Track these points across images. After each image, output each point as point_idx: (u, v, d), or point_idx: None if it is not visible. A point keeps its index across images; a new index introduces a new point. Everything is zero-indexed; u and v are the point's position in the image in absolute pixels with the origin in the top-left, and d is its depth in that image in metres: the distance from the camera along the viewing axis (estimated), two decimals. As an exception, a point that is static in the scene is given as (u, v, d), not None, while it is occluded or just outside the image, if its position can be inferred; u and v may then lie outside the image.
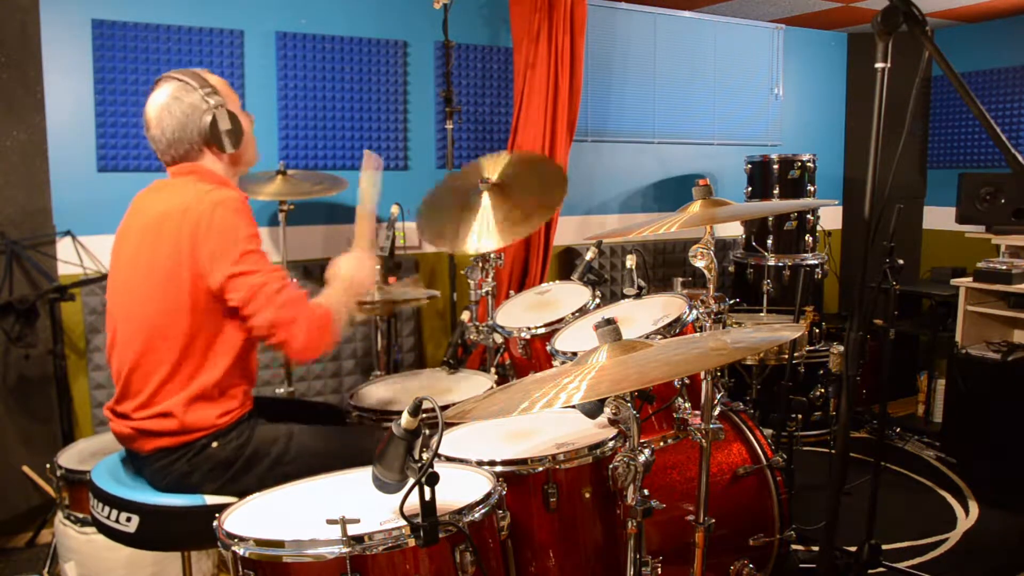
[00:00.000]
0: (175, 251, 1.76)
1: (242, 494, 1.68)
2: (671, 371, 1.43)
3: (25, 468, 3.06)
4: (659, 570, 1.61)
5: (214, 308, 1.79)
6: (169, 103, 1.85)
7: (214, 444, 1.83)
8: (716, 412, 1.97)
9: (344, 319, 1.93)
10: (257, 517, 1.55)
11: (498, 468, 1.78)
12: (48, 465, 2.44)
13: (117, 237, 1.94)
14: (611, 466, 1.54)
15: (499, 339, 2.72)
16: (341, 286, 1.99)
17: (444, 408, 1.41)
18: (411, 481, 1.35)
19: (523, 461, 1.81)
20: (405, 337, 3.90)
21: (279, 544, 1.39)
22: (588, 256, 2.91)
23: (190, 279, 1.76)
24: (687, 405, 2.15)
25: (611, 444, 1.87)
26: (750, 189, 4.50)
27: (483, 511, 1.51)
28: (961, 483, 3.64)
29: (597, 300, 2.67)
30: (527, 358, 2.64)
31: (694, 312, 2.15)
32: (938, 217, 5.14)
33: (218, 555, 2.52)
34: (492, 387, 2.48)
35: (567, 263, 4.34)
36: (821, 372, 4.06)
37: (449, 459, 1.84)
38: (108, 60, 3.22)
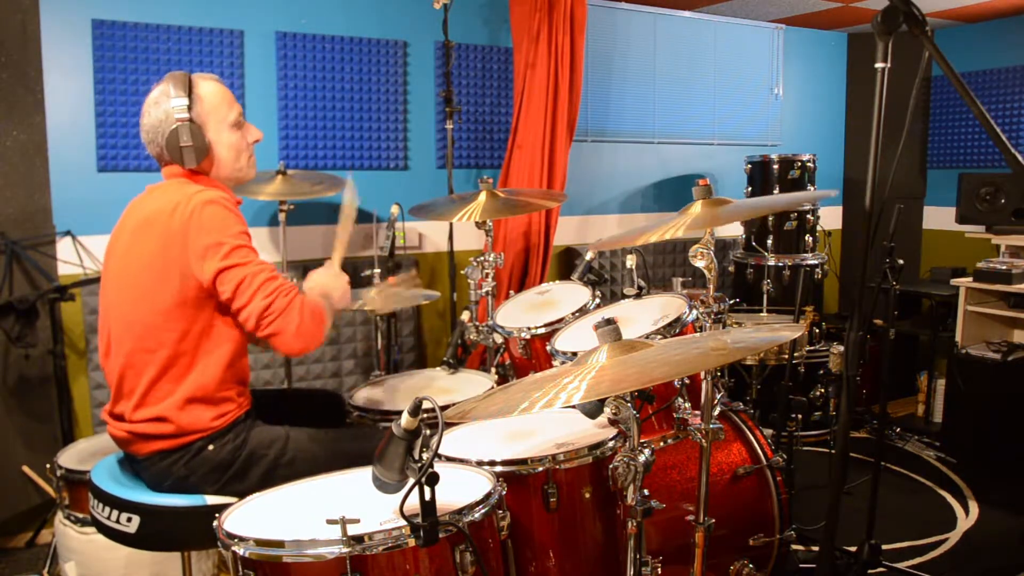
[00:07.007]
0: (165, 248, 1.77)
1: (241, 495, 1.68)
2: (671, 371, 1.43)
3: (25, 468, 3.06)
4: (659, 570, 1.61)
5: (205, 305, 1.80)
6: (148, 106, 1.89)
7: (210, 447, 1.83)
8: (716, 412, 1.97)
9: (329, 320, 1.90)
10: (257, 517, 1.55)
11: (498, 468, 1.78)
12: (48, 465, 2.44)
13: (110, 240, 1.94)
14: (611, 466, 1.54)
15: (499, 339, 2.72)
16: (320, 292, 1.96)
17: (444, 408, 1.41)
18: (411, 481, 1.35)
19: (523, 461, 1.81)
20: (405, 337, 3.90)
21: (279, 544, 1.40)
22: (588, 256, 2.91)
23: (179, 277, 1.77)
24: (687, 405, 2.15)
25: (611, 444, 1.87)
26: (750, 189, 4.49)
27: (483, 511, 1.51)
28: (961, 483, 3.64)
29: (597, 300, 2.67)
30: (527, 358, 2.64)
31: (694, 312, 2.15)
32: (938, 217, 5.14)
33: (218, 555, 2.51)
34: (492, 387, 2.48)
35: (567, 263, 4.33)
36: (821, 372, 4.06)
37: (449, 459, 1.84)
38: (108, 60, 3.22)
